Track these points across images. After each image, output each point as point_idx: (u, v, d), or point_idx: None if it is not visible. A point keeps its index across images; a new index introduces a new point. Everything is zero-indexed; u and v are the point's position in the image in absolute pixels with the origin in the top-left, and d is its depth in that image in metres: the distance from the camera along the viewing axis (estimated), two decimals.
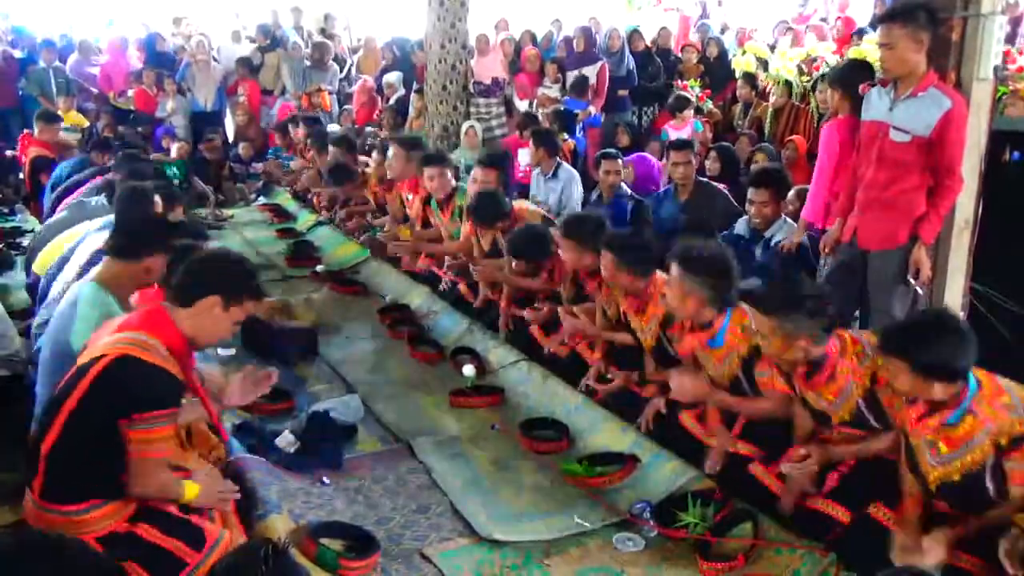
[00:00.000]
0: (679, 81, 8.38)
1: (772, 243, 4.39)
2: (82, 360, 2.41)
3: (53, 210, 5.66)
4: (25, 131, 7.81)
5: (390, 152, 5.98)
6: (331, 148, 7.11)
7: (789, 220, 4.49)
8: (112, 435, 2.27)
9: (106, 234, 3.46)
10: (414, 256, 5.51)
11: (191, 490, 2.45)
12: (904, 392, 2.45)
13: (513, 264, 4.41)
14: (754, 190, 4.47)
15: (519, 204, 5.30)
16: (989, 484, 2.33)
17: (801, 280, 2.90)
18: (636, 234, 3.88)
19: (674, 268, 3.14)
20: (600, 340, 3.90)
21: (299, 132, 8.49)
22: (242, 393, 2.86)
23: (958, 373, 2.33)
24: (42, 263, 4.44)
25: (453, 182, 5.35)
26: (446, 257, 5.29)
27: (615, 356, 3.83)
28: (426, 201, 5.58)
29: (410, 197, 5.90)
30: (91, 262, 3.52)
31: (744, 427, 3.14)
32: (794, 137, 6.82)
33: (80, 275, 3.49)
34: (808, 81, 7.54)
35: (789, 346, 2.71)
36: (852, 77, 4.07)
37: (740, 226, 4.64)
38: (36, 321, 3.66)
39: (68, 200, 5.41)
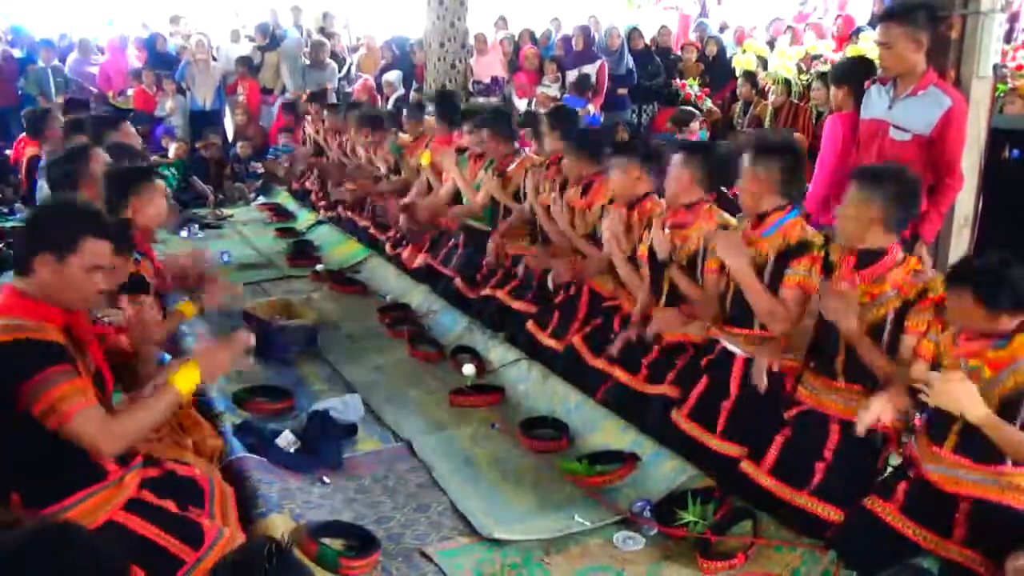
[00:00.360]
0: (678, 80, 8.38)
1: None
2: None
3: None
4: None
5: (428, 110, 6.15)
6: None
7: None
8: (32, 424, 2.14)
9: None
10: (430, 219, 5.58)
11: (186, 378, 2.31)
12: (967, 324, 2.44)
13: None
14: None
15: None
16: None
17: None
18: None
19: (746, 158, 3.19)
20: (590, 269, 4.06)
21: (314, 107, 8.40)
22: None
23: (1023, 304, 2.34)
24: None
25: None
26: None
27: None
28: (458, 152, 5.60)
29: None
30: None
31: (728, 426, 3.13)
32: (795, 135, 6.81)
33: None
34: (807, 79, 7.55)
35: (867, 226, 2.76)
36: (855, 73, 4.08)
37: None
38: None
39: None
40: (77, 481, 2.25)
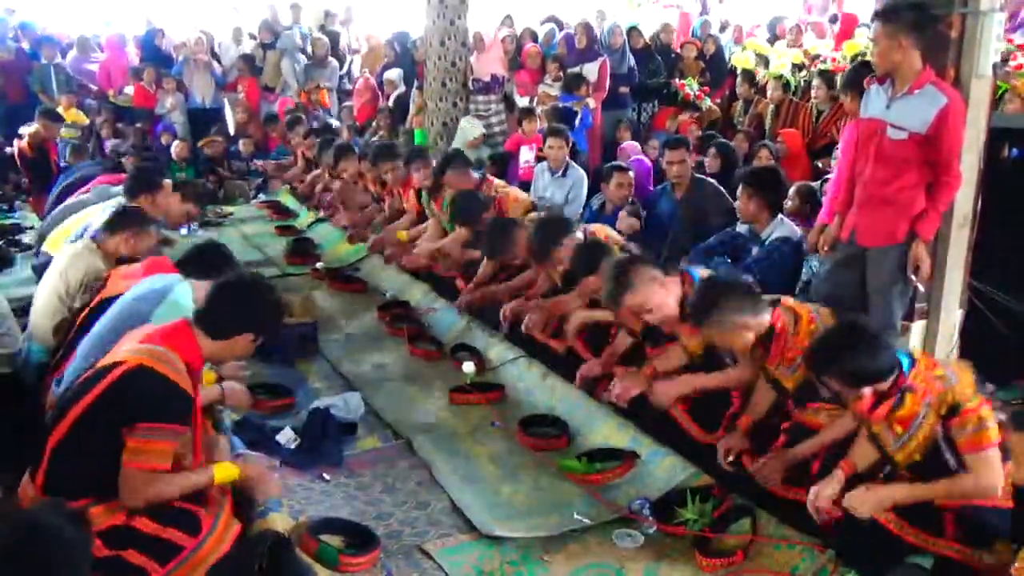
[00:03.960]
0: (676, 80, 8.37)
1: (767, 242, 4.40)
2: (102, 363, 2.45)
3: (57, 202, 5.76)
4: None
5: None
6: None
7: (787, 220, 4.50)
8: (116, 440, 2.31)
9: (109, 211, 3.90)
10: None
11: (225, 472, 2.54)
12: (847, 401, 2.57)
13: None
14: (741, 187, 4.50)
15: (506, 192, 5.34)
16: (949, 457, 2.44)
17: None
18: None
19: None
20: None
21: (297, 134, 8.33)
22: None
23: (882, 372, 2.47)
24: (53, 242, 4.51)
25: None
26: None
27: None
28: (418, 194, 5.82)
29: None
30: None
31: (730, 415, 3.16)
32: (784, 131, 6.82)
33: None
34: (806, 77, 7.55)
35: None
36: (860, 79, 4.08)
37: (741, 224, 4.64)
38: None
39: (70, 199, 5.48)
40: (102, 491, 2.36)
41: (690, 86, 8.21)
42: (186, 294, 3.08)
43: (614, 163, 5.89)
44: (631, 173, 5.62)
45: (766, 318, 2.97)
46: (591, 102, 7.84)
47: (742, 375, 3.18)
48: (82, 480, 2.34)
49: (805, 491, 2.74)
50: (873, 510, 2.49)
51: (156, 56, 10.25)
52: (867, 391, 2.48)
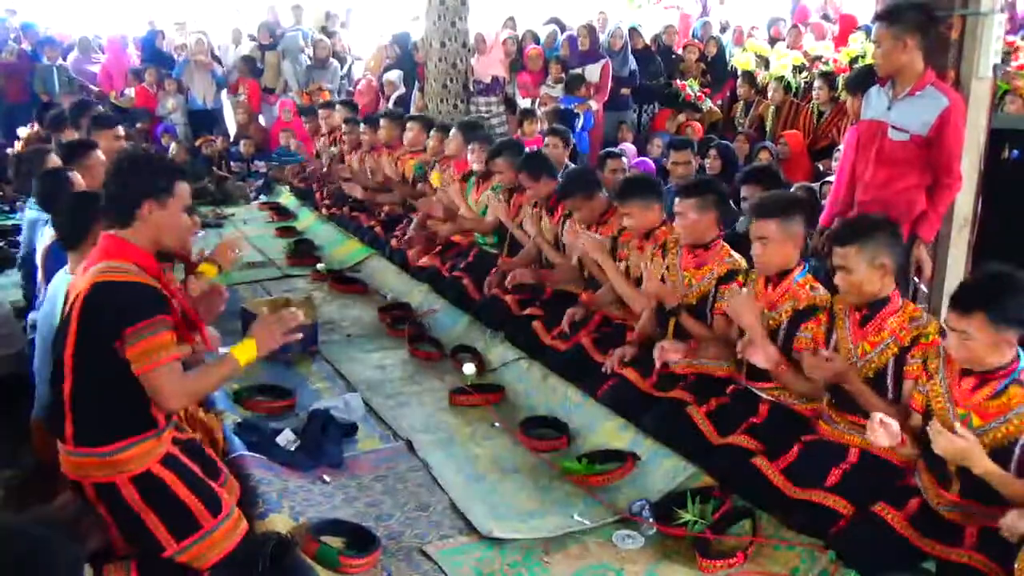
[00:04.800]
0: (677, 80, 8.38)
1: None
2: (66, 308, 2.45)
3: None
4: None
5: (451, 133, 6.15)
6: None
7: None
8: (118, 365, 2.31)
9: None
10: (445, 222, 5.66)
11: (245, 351, 2.51)
12: (968, 355, 2.43)
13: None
14: (743, 188, 4.50)
15: None
16: (1015, 463, 2.36)
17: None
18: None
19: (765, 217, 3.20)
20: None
21: (336, 117, 8.16)
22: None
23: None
24: None
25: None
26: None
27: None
28: (465, 178, 5.73)
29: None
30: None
31: (749, 423, 3.15)
32: (786, 132, 6.82)
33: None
34: (807, 78, 7.55)
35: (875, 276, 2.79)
36: (865, 81, 4.08)
37: (741, 226, 4.64)
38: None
39: None
40: (133, 427, 2.38)
41: (691, 87, 8.22)
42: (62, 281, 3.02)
43: (607, 150, 5.88)
44: (624, 159, 5.65)
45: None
46: (593, 104, 7.84)
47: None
48: (109, 421, 2.36)
49: (819, 490, 2.74)
50: (948, 454, 2.39)
51: (157, 57, 10.27)
52: (1012, 335, 2.37)
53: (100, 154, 4.32)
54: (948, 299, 2.51)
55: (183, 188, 2.53)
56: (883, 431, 2.49)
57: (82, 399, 2.37)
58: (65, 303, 2.51)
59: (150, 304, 2.35)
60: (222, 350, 2.70)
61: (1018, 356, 2.43)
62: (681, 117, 7.91)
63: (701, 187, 3.63)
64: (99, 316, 2.32)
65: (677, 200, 3.63)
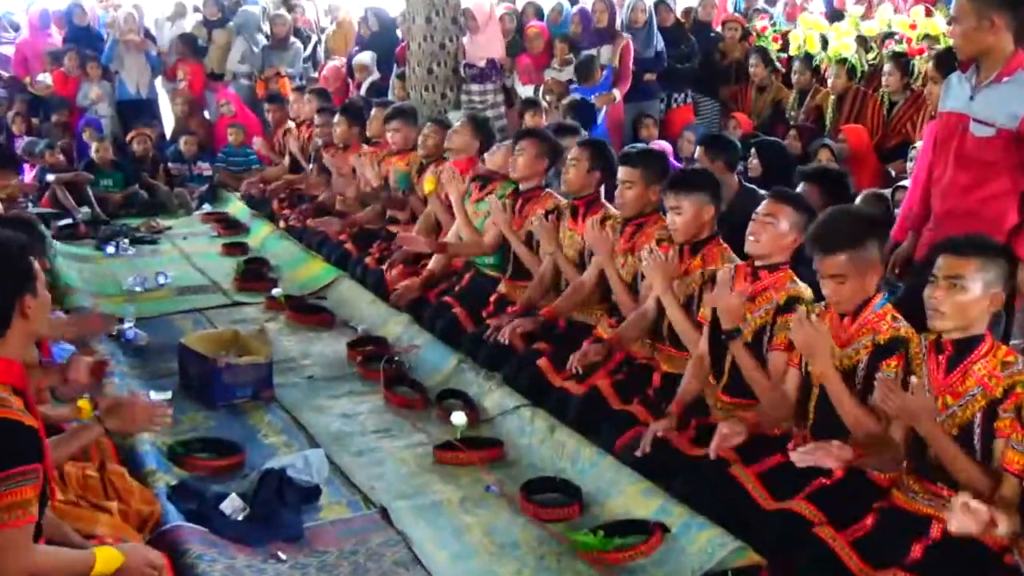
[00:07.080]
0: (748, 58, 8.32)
1: None
2: None
3: None
4: None
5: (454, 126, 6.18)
6: None
7: None
8: None
9: None
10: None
11: (109, 560, 2.45)
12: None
13: None
14: (802, 185, 4.49)
15: None
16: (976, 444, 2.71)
17: None
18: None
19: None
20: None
21: (305, 107, 8.23)
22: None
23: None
24: None
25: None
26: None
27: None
28: (475, 178, 5.66)
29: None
30: None
31: (815, 487, 3.15)
32: (846, 127, 6.85)
33: None
34: (875, 59, 7.57)
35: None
36: (950, 64, 4.12)
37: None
38: None
39: None
40: None
41: (769, 48, 8.20)
42: None
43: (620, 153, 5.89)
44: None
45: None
46: (617, 94, 7.88)
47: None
48: None
49: (886, 573, 2.74)
50: (907, 416, 2.79)
51: (82, 36, 10.34)
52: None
53: None
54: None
55: (39, 265, 2.49)
56: (967, 518, 2.43)
57: None
58: None
59: (21, 449, 2.28)
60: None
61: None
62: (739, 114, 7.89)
63: (696, 178, 3.77)
64: None
65: (669, 192, 3.75)
